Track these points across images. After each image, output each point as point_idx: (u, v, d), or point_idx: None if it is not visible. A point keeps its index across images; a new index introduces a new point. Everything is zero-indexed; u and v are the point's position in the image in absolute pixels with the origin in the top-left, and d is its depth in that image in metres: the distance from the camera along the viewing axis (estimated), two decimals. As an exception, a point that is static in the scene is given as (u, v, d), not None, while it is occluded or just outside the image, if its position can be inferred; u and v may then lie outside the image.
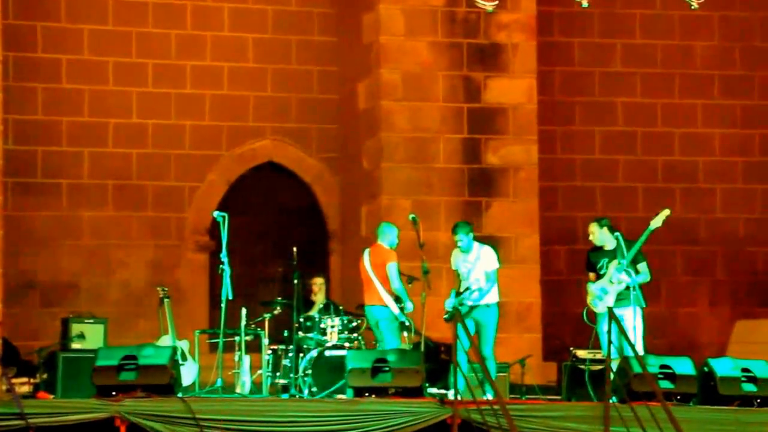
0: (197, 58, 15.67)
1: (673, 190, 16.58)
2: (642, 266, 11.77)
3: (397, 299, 11.76)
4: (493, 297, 11.63)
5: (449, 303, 11.56)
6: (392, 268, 11.71)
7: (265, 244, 15.83)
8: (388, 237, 11.92)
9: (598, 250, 11.91)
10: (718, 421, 10.74)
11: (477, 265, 11.59)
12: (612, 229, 11.89)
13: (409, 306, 11.74)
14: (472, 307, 11.47)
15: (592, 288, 11.82)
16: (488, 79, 14.99)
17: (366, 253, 11.98)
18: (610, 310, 11.01)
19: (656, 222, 11.80)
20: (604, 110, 16.55)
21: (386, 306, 11.68)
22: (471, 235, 11.67)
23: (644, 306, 11.74)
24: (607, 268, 11.75)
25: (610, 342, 10.64)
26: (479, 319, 11.46)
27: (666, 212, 11.82)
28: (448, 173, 14.82)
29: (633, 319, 11.49)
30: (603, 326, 11.16)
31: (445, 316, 11.59)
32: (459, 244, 11.61)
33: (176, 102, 15.63)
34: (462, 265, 11.65)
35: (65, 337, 12.44)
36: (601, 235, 11.86)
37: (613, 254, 11.72)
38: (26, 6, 15.20)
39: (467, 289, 11.50)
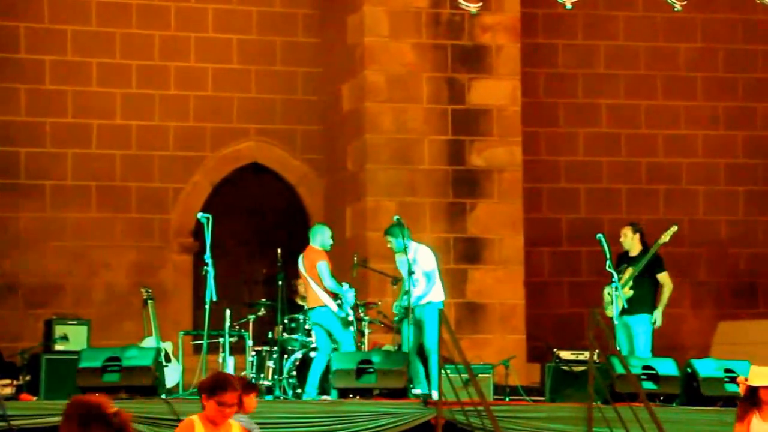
0: (181, 59, 15.65)
1: (657, 192, 16.63)
2: (662, 276, 11.91)
3: (335, 297, 11.73)
4: (434, 296, 11.65)
5: (396, 306, 11.62)
6: (322, 266, 11.66)
7: (249, 245, 15.81)
8: (318, 238, 11.89)
9: (625, 253, 12.04)
10: (701, 422, 10.78)
11: (414, 266, 11.63)
12: (643, 236, 12.03)
13: (349, 298, 11.69)
14: (407, 308, 11.48)
15: (604, 292, 11.94)
16: (472, 80, 15.00)
17: (300, 258, 11.96)
18: (592, 311, 11.06)
19: (663, 238, 11.96)
20: (588, 112, 16.59)
21: (326, 306, 11.67)
22: (400, 236, 11.60)
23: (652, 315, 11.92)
24: (623, 273, 11.86)
25: (591, 343, 10.67)
26: (421, 318, 11.48)
27: (674, 228, 11.99)
28: (432, 174, 14.83)
29: (640, 326, 11.65)
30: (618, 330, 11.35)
31: (395, 319, 11.66)
32: (388, 245, 11.63)
33: (160, 103, 15.60)
34: (402, 268, 11.66)
35: (48, 338, 12.39)
36: (631, 241, 11.98)
37: (633, 261, 11.85)
38: (9, 6, 15.16)
39: (407, 291, 11.52)
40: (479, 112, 14.98)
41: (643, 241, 12.06)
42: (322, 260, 11.70)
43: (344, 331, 11.66)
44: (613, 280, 11.77)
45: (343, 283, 11.85)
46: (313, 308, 11.77)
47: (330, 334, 11.66)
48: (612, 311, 11.79)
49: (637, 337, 11.85)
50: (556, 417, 10.69)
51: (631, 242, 12.03)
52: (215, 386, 6.24)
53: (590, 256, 15.11)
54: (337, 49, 15.46)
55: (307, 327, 12.20)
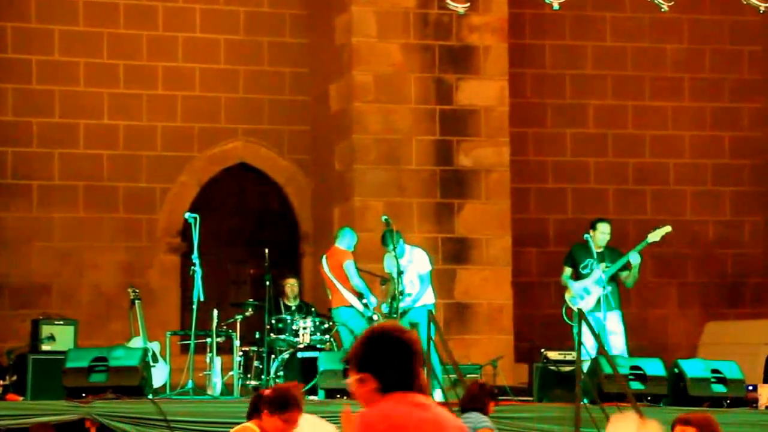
0: (169, 59, 15.62)
1: (644, 192, 16.65)
2: (631, 271, 11.89)
3: (360, 296, 11.87)
4: (428, 298, 11.72)
5: (385, 307, 11.67)
6: (349, 266, 11.85)
7: (236, 245, 15.79)
8: (345, 240, 12.09)
9: (584, 248, 11.97)
10: (688, 422, 10.78)
11: (409, 267, 11.68)
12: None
13: (372, 301, 11.85)
14: (405, 310, 11.56)
15: (575, 287, 11.86)
16: (460, 80, 15.00)
17: (324, 258, 12.12)
18: (580, 311, 11.06)
19: (654, 236, 11.87)
20: (576, 112, 16.61)
21: (351, 306, 11.79)
22: (401, 240, 11.76)
23: (617, 310, 11.86)
24: (591, 269, 11.81)
25: (580, 343, 10.68)
26: (415, 321, 11.51)
27: (667, 228, 11.90)
28: (420, 175, 14.83)
29: (603, 321, 11.58)
30: (582, 326, 11.26)
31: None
32: (393, 252, 11.71)
33: (148, 103, 15.57)
34: (393, 269, 11.70)
35: (35, 338, 12.35)
36: (605, 237, 11.90)
37: (601, 257, 11.79)
38: (-4, 6, 15.12)
39: (401, 293, 11.57)
40: (467, 113, 14.99)
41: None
42: (349, 259, 11.87)
43: None
44: (602, 276, 11.72)
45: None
46: (337, 308, 11.93)
47: (352, 333, 11.77)
48: (576, 307, 11.70)
49: (613, 334, 11.78)
50: (544, 417, 10.70)
51: (604, 239, 11.95)
52: (284, 403, 6.02)
53: (578, 257, 15.11)
54: (325, 49, 15.45)
55: (294, 327, 12.21)
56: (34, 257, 15.08)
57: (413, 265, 11.75)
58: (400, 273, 11.72)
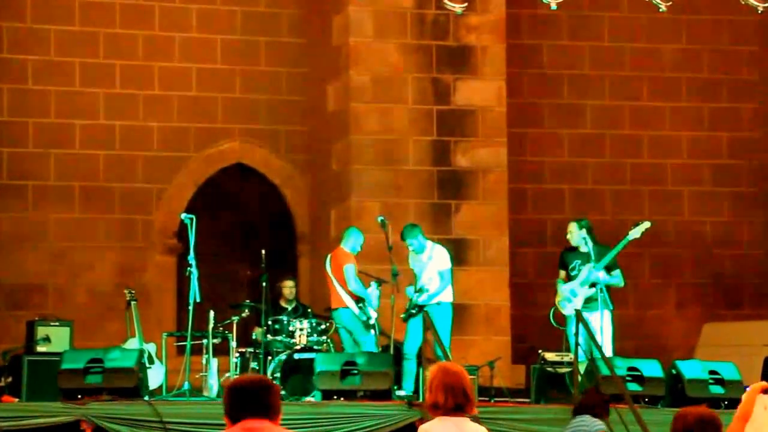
0: (165, 59, 15.59)
1: (642, 193, 16.63)
2: (616, 272, 11.84)
3: (360, 300, 11.89)
4: (445, 296, 11.71)
5: (410, 303, 11.69)
6: (348, 269, 11.88)
7: (233, 246, 15.75)
8: (350, 241, 12.11)
9: (573, 250, 11.96)
10: (686, 423, 10.74)
11: (429, 264, 11.70)
12: (590, 231, 11.93)
13: (373, 302, 11.85)
14: (421, 307, 11.57)
15: (562, 289, 11.85)
16: (457, 81, 14.98)
17: (327, 258, 12.16)
18: (577, 312, 11.03)
19: (634, 233, 11.85)
20: (573, 113, 16.58)
21: (348, 307, 11.82)
22: (420, 236, 11.80)
23: (612, 308, 11.80)
24: (579, 270, 11.79)
25: (577, 344, 10.65)
26: (431, 318, 11.50)
27: (646, 224, 11.88)
28: (417, 175, 14.81)
29: (601, 322, 11.55)
30: (572, 328, 11.22)
31: (402, 315, 11.72)
32: (411, 247, 11.74)
33: (144, 103, 15.54)
34: (416, 265, 11.75)
35: (30, 340, 12.31)
36: (578, 236, 11.88)
37: (586, 257, 11.76)
38: (-8, 6, 15.09)
39: (420, 289, 11.61)
40: (464, 113, 14.96)
41: (592, 236, 11.94)
42: (350, 263, 11.93)
43: (365, 333, 11.82)
44: (597, 275, 11.68)
45: (372, 283, 11.97)
46: (336, 309, 11.98)
47: (351, 335, 11.78)
48: (566, 309, 11.66)
49: (601, 334, 11.74)
50: (541, 419, 10.67)
51: (578, 238, 11.93)
52: None
53: (575, 257, 15.07)
54: (322, 49, 15.42)
55: (291, 328, 12.19)
56: (30, 258, 15.04)
57: (433, 261, 11.77)
58: (395, 275, 11.72)
